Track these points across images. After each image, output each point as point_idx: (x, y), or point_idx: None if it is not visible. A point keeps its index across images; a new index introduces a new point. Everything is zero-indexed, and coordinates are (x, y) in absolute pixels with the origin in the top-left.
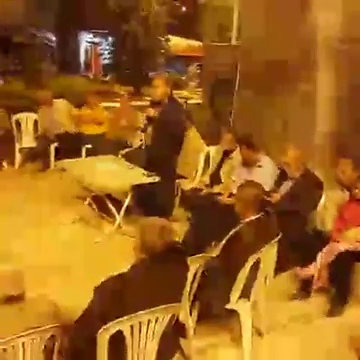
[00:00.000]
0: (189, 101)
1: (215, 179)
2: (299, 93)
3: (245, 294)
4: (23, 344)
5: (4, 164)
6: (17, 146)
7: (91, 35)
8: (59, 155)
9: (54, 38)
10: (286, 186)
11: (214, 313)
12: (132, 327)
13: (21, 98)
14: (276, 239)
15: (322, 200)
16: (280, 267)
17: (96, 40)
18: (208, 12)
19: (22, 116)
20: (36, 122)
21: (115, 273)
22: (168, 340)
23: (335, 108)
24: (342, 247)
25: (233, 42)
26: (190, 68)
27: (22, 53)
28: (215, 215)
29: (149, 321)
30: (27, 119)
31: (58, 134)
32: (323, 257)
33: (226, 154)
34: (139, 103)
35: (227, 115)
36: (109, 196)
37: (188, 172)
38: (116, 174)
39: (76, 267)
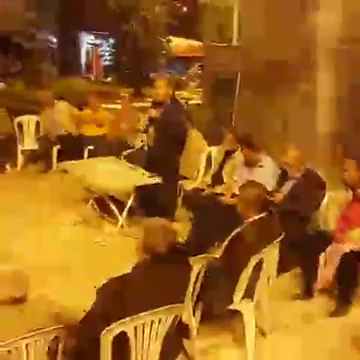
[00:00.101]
0: (189, 102)
1: (217, 179)
2: (299, 93)
3: (248, 294)
4: (27, 346)
5: (7, 167)
6: (19, 148)
7: (92, 37)
8: (61, 157)
9: (55, 40)
10: (288, 186)
11: (217, 313)
12: (135, 328)
13: (23, 101)
14: (279, 239)
15: (325, 200)
16: (283, 267)
17: (97, 42)
18: (208, 12)
19: (24, 118)
20: (38, 124)
21: (117, 274)
22: (171, 341)
23: (335, 108)
24: (347, 248)
25: (234, 43)
26: (191, 69)
27: (22, 54)
28: (217, 215)
29: (152, 322)
30: (29, 121)
31: (59, 135)
32: (327, 258)
33: (228, 154)
34: (140, 104)
35: (228, 115)
36: (111, 197)
37: (190, 172)
38: (117, 175)
39: (76, 267)
